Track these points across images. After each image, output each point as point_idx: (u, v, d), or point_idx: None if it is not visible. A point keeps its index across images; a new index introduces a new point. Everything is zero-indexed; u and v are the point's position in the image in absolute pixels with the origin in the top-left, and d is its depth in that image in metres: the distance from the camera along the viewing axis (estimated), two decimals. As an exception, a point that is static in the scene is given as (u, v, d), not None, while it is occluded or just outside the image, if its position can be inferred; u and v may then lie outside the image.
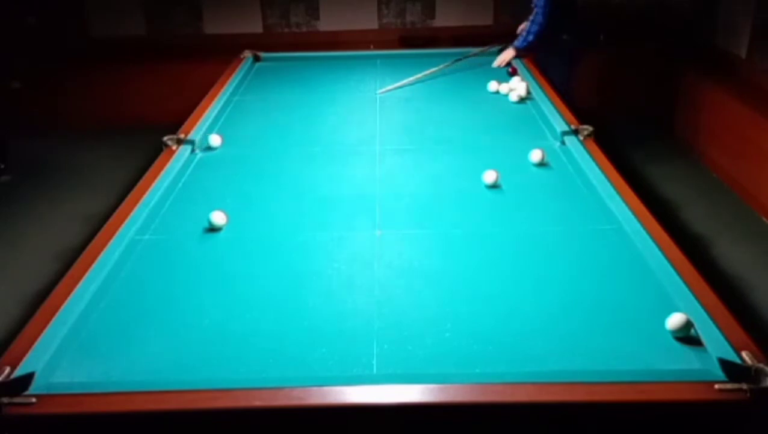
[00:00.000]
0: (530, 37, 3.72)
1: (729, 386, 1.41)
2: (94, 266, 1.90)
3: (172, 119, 3.10)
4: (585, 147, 2.65)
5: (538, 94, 3.35)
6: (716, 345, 1.55)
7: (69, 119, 5.22)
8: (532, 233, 2.14)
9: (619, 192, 2.26)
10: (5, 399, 1.41)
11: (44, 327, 1.64)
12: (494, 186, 2.43)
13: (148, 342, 1.66)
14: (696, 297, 1.70)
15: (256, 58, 4.15)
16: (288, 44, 5.00)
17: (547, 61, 3.82)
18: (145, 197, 2.31)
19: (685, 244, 2.00)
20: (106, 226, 2.13)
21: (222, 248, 2.10)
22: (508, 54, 3.78)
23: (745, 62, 4.42)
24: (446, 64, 3.77)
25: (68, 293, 1.78)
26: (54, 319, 1.68)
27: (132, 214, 2.20)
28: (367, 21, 5.42)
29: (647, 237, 1.99)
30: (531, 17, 3.74)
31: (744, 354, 1.48)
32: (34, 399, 1.42)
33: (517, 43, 3.77)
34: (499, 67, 3.76)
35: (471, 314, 1.73)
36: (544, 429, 1.48)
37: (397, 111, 3.31)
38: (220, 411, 1.41)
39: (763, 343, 1.54)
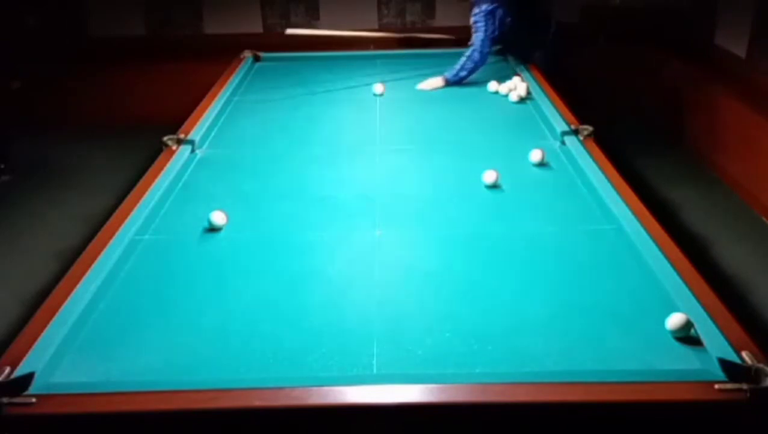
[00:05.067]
0: (462, 73, 3.60)
1: (729, 386, 1.41)
2: (94, 266, 1.91)
3: (172, 119, 3.10)
4: (585, 147, 2.66)
5: (538, 95, 3.35)
6: (716, 345, 1.55)
7: (69, 119, 5.22)
8: (532, 233, 2.14)
9: (619, 192, 2.26)
10: (5, 399, 1.41)
11: (44, 327, 1.64)
12: (494, 186, 2.43)
13: (148, 342, 1.66)
14: (696, 297, 1.70)
15: (256, 58, 4.15)
16: (288, 44, 4.99)
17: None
18: (145, 197, 2.32)
19: (685, 244, 2.00)
20: (106, 226, 2.13)
21: (222, 248, 2.10)
22: (436, 82, 3.62)
23: (745, 62, 4.41)
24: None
25: (68, 293, 1.78)
26: (54, 319, 1.68)
27: (132, 214, 2.20)
28: (367, 21, 5.42)
29: (647, 237, 1.99)
30: (467, 52, 3.60)
31: (744, 354, 1.48)
32: (34, 399, 1.42)
33: (448, 75, 3.61)
34: (422, 90, 3.59)
35: (471, 314, 1.73)
36: (544, 429, 1.48)
37: (397, 111, 3.31)
38: (220, 411, 1.41)
39: (763, 343, 1.54)
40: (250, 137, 3.03)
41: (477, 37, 3.60)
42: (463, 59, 3.61)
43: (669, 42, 5.11)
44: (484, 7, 3.56)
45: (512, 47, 3.93)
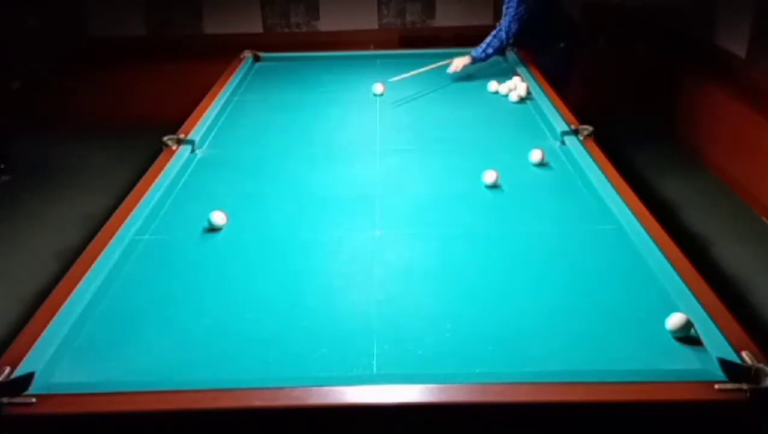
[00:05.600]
0: (489, 50, 3.76)
1: (729, 386, 1.41)
2: (94, 266, 1.90)
3: (172, 119, 3.10)
4: (585, 147, 2.65)
5: (538, 95, 3.35)
6: (716, 345, 1.55)
7: (69, 119, 5.22)
8: (531, 233, 2.14)
9: (619, 192, 2.26)
10: (5, 399, 1.41)
11: (44, 327, 1.64)
12: (494, 186, 2.43)
13: (148, 342, 1.66)
14: (696, 297, 1.70)
15: (256, 58, 4.15)
16: (288, 44, 5.00)
17: (545, 65, 3.82)
18: (145, 197, 2.31)
19: (685, 244, 2.00)
20: (106, 226, 2.13)
21: (222, 248, 2.10)
22: (464, 61, 3.75)
23: (744, 62, 4.41)
24: (444, 62, 3.76)
25: (68, 293, 1.78)
26: (54, 319, 1.68)
27: (132, 214, 2.20)
28: (367, 21, 5.42)
29: (647, 237, 1.99)
30: (494, 31, 3.76)
31: (744, 354, 1.48)
32: (34, 399, 1.42)
33: (474, 53, 3.76)
34: (454, 72, 3.73)
35: (471, 314, 1.73)
36: (544, 429, 1.48)
37: (397, 111, 3.31)
38: (220, 411, 1.41)
39: (763, 343, 1.54)
40: (250, 137, 3.03)
41: (505, 19, 3.75)
42: (489, 38, 3.78)
43: (669, 42, 5.11)
44: None
45: (535, 37, 3.92)
